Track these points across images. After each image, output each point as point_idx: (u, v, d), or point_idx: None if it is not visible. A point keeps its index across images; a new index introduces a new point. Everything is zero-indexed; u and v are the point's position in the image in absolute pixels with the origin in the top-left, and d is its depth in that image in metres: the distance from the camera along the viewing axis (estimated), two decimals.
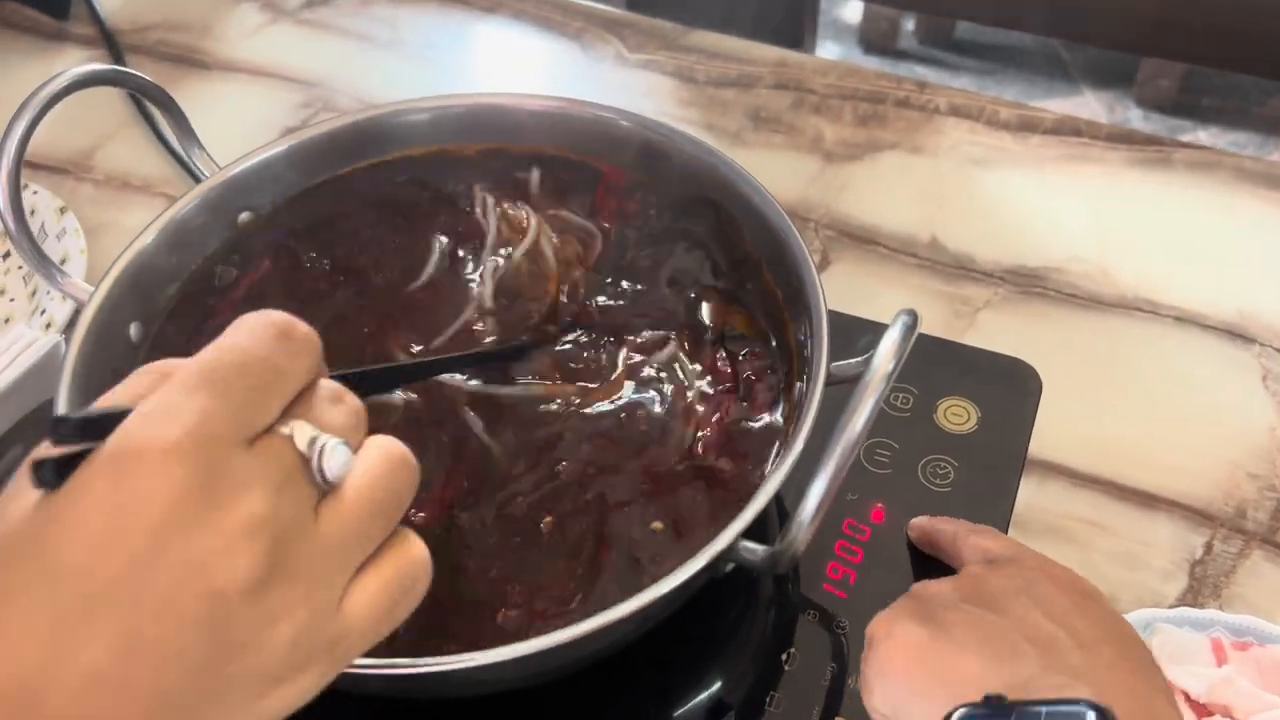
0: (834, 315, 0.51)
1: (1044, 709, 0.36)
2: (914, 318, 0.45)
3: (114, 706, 0.25)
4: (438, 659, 0.40)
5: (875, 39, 2.30)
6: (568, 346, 0.57)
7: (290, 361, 0.29)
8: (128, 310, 0.55)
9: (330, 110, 0.89)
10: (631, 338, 0.57)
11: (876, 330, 0.46)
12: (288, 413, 0.29)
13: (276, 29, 0.97)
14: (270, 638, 0.27)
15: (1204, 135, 2.07)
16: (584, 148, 0.63)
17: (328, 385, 0.31)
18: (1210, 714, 0.50)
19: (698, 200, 0.60)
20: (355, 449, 0.30)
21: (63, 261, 0.72)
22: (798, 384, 0.53)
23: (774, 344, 0.56)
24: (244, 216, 0.61)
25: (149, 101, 0.61)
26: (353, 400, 0.31)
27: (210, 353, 0.28)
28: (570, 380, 0.55)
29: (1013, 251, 0.75)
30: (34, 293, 0.73)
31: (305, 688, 0.28)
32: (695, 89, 0.89)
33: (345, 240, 0.61)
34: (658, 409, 0.54)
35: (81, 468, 0.26)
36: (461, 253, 0.60)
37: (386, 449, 0.31)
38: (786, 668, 0.51)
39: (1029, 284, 0.73)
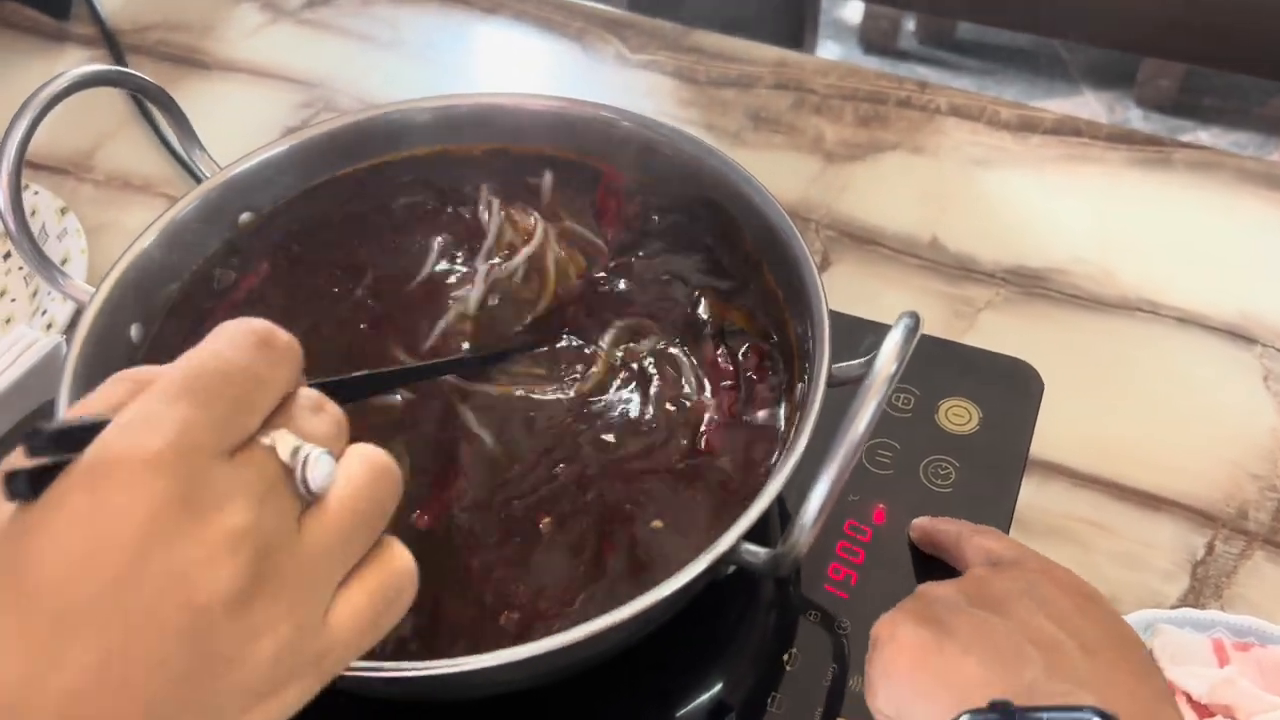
0: (835, 316, 0.51)
1: (1049, 715, 0.36)
2: (916, 320, 0.45)
3: None
4: (440, 662, 0.40)
5: (876, 39, 2.30)
6: (567, 345, 0.56)
7: (272, 370, 0.29)
8: (128, 311, 0.54)
9: (331, 110, 0.89)
10: (630, 336, 0.56)
11: (878, 331, 0.46)
12: (268, 422, 0.28)
13: (277, 29, 0.97)
14: (255, 652, 0.26)
15: (1204, 135, 2.07)
16: (585, 148, 0.63)
17: (308, 394, 0.30)
18: (1212, 714, 0.50)
19: (698, 201, 0.60)
20: (337, 458, 0.29)
21: (64, 262, 0.72)
22: (799, 385, 0.53)
23: (775, 340, 0.56)
24: (244, 217, 0.61)
25: (150, 102, 0.61)
26: (334, 409, 0.30)
27: (191, 361, 0.28)
28: (569, 379, 0.55)
29: (1014, 252, 0.75)
30: (35, 293, 0.73)
31: (290, 702, 0.28)
32: (696, 89, 0.89)
33: (345, 241, 0.61)
34: (657, 407, 0.53)
35: (58, 480, 0.25)
36: (460, 255, 0.60)
37: (369, 458, 0.30)
38: (788, 668, 0.51)
39: (1030, 284, 0.73)
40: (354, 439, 0.31)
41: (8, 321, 0.73)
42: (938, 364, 0.62)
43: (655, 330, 0.57)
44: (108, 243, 0.76)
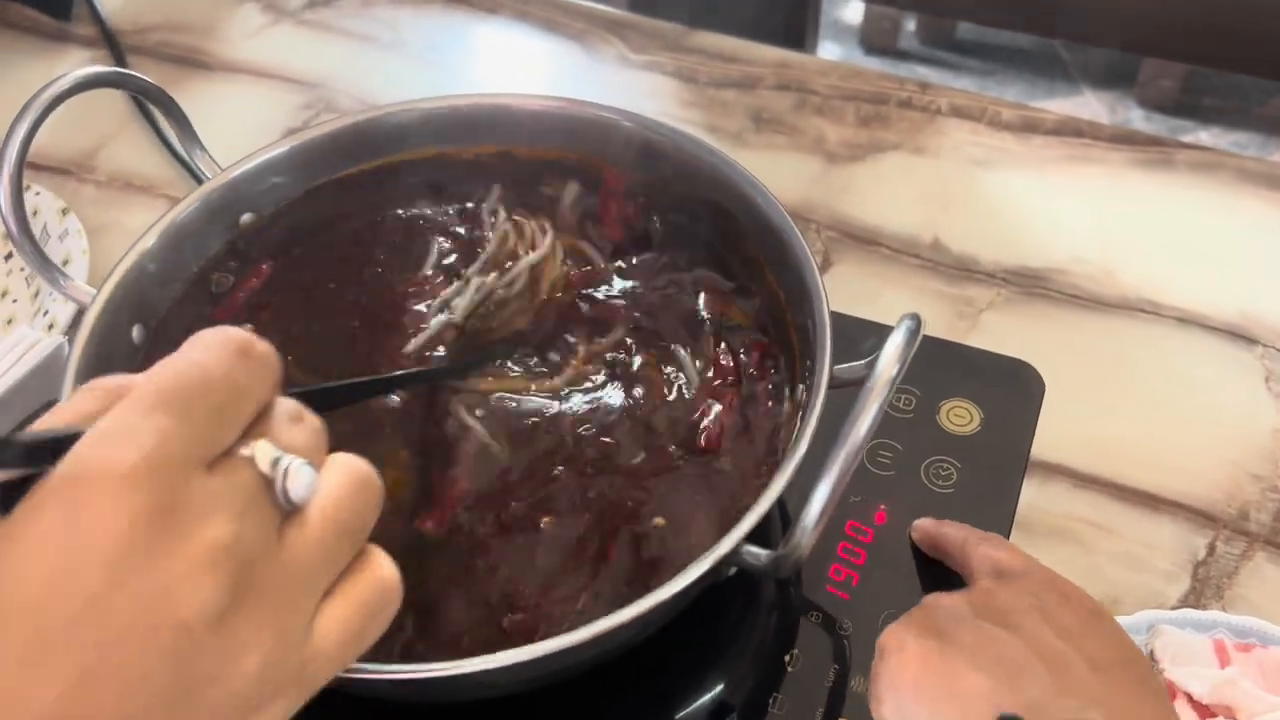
0: (836, 316, 0.51)
1: None
2: (918, 322, 0.45)
3: None
4: (443, 664, 0.40)
5: (876, 39, 2.30)
6: (560, 346, 0.56)
7: (250, 380, 0.28)
8: (130, 312, 0.55)
9: (332, 112, 0.89)
10: (629, 334, 0.56)
11: (879, 332, 0.46)
12: (247, 433, 0.28)
13: (278, 30, 0.97)
14: (238, 668, 0.26)
15: (1205, 136, 2.07)
16: (586, 149, 0.63)
17: (287, 404, 0.29)
18: (1213, 715, 0.50)
19: (700, 201, 0.60)
20: (317, 468, 0.29)
21: (65, 263, 0.72)
22: (800, 386, 0.53)
23: (774, 334, 0.56)
24: (246, 218, 0.61)
25: (151, 103, 0.61)
26: (313, 419, 0.30)
27: (167, 370, 0.27)
28: (564, 379, 0.55)
29: (1015, 252, 0.75)
30: (36, 294, 0.73)
31: (275, 717, 0.27)
32: (697, 90, 0.89)
33: (346, 243, 0.61)
34: (658, 405, 0.53)
35: (31, 494, 0.25)
36: (459, 259, 0.60)
37: (350, 468, 0.29)
38: (789, 669, 0.51)
39: (1031, 285, 0.73)
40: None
41: (9, 322, 0.73)
42: (939, 365, 0.62)
43: (654, 328, 0.57)
44: (109, 243, 0.76)
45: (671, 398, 0.54)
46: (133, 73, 0.60)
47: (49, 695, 0.23)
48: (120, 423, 0.26)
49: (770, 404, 0.54)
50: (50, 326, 0.68)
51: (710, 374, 0.55)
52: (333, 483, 0.29)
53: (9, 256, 0.76)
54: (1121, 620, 0.53)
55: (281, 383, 0.29)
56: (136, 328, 0.55)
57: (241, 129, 0.85)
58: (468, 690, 0.46)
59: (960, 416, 0.60)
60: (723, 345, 0.56)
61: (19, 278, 0.75)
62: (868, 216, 0.78)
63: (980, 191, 0.80)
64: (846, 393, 0.45)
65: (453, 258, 0.60)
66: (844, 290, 0.72)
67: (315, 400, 0.31)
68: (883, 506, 0.56)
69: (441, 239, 0.61)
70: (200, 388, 0.27)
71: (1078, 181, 0.80)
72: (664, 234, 0.61)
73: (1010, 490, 0.57)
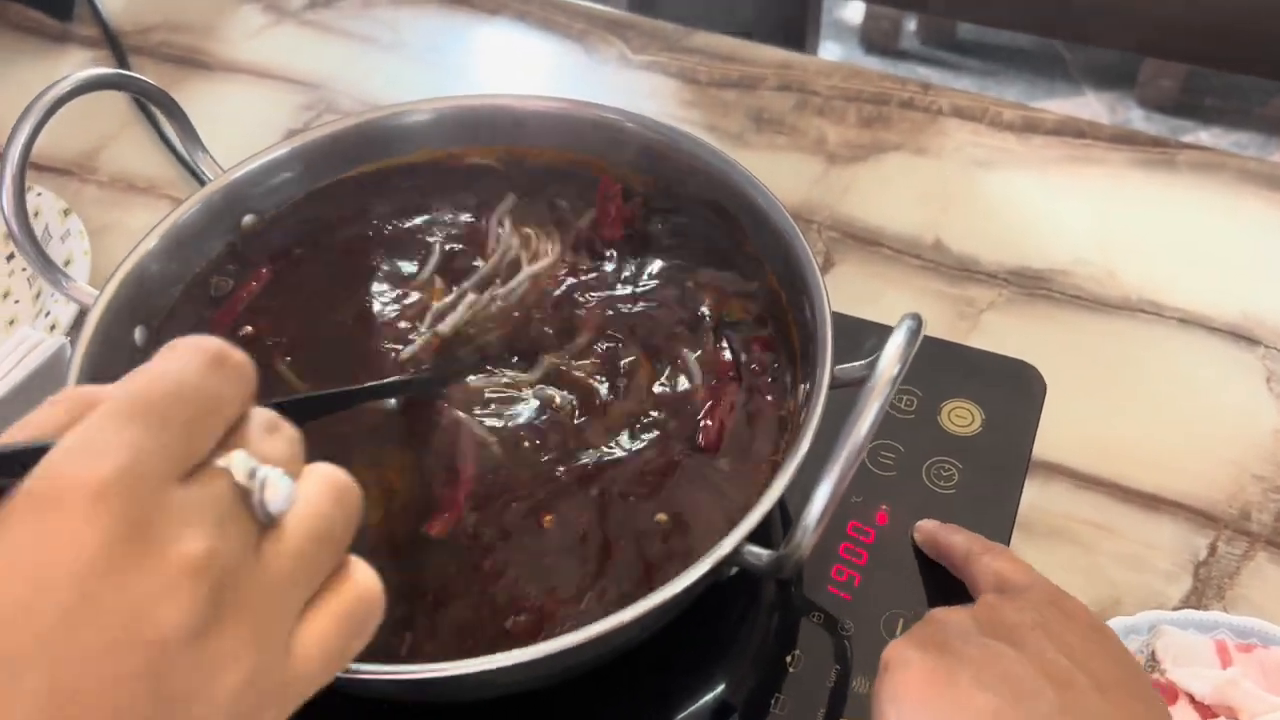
0: (838, 317, 0.51)
1: None
2: (919, 322, 0.45)
3: None
4: (441, 665, 0.40)
5: (877, 39, 2.30)
6: (566, 344, 0.56)
7: (224, 389, 0.27)
8: (132, 314, 0.55)
9: (333, 112, 0.89)
10: (629, 334, 0.56)
11: (880, 332, 0.46)
12: (222, 444, 0.27)
13: (279, 30, 0.97)
14: (217, 686, 0.25)
15: (1206, 136, 2.07)
16: (587, 149, 0.63)
17: (263, 414, 0.29)
18: (1215, 715, 0.50)
19: (701, 202, 0.60)
20: (295, 479, 0.28)
21: (67, 263, 0.72)
22: (802, 386, 0.53)
23: (773, 327, 0.56)
24: (247, 220, 0.61)
25: (153, 105, 0.61)
26: (289, 429, 0.29)
27: (139, 381, 0.26)
28: (567, 378, 0.55)
29: (1017, 253, 0.75)
30: (38, 294, 0.73)
31: None
32: (698, 90, 0.89)
33: (347, 246, 0.61)
34: (658, 402, 0.53)
35: None
36: (457, 265, 0.60)
37: (328, 478, 0.29)
38: (791, 670, 0.51)
39: (1033, 285, 0.73)
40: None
41: (11, 323, 0.73)
42: (940, 365, 0.62)
43: (655, 328, 0.57)
44: (111, 244, 0.76)
45: (672, 397, 0.54)
46: (135, 75, 0.60)
47: (19, 716, 0.23)
48: (91, 435, 0.25)
49: (772, 404, 0.54)
50: (52, 327, 0.68)
51: (711, 373, 0.55)
52: (311, 493, 0.28)
53: (11, 257, 0.76)
54: (1123, 621, 0.53)
55: (257, 393, 0.29)
56: (139, 329, 0.55)
57: (242, 129, 0.85)
58: (470, 690, 0.46)
59: (962, 417, 0.60)
60: (723, 344, 0.56)
61: (21, 278, 0.75)
62: (869, 217, 0.78)
63: (981, 192, 0.80)
64: (848, 393, 0.45)
65: (454, 261, 0.60)
66: (845, 290, 0.72)
67: (291, 411, 0.30)
68: (884, 507, 0.56)
69: (442, 243, 0.61)
70: (173, 398, 0.26)
71: (1079, 182, 0.80)
72: (665, 234, 0.61)
73: (1012, 491, 0.57)
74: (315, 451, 0.30)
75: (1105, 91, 2.18)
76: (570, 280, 0.59)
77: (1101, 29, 1.13)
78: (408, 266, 0.60)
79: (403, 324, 0.57)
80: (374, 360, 0.55)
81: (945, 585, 0.52)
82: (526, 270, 0.59)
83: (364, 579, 0.29)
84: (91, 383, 0.48)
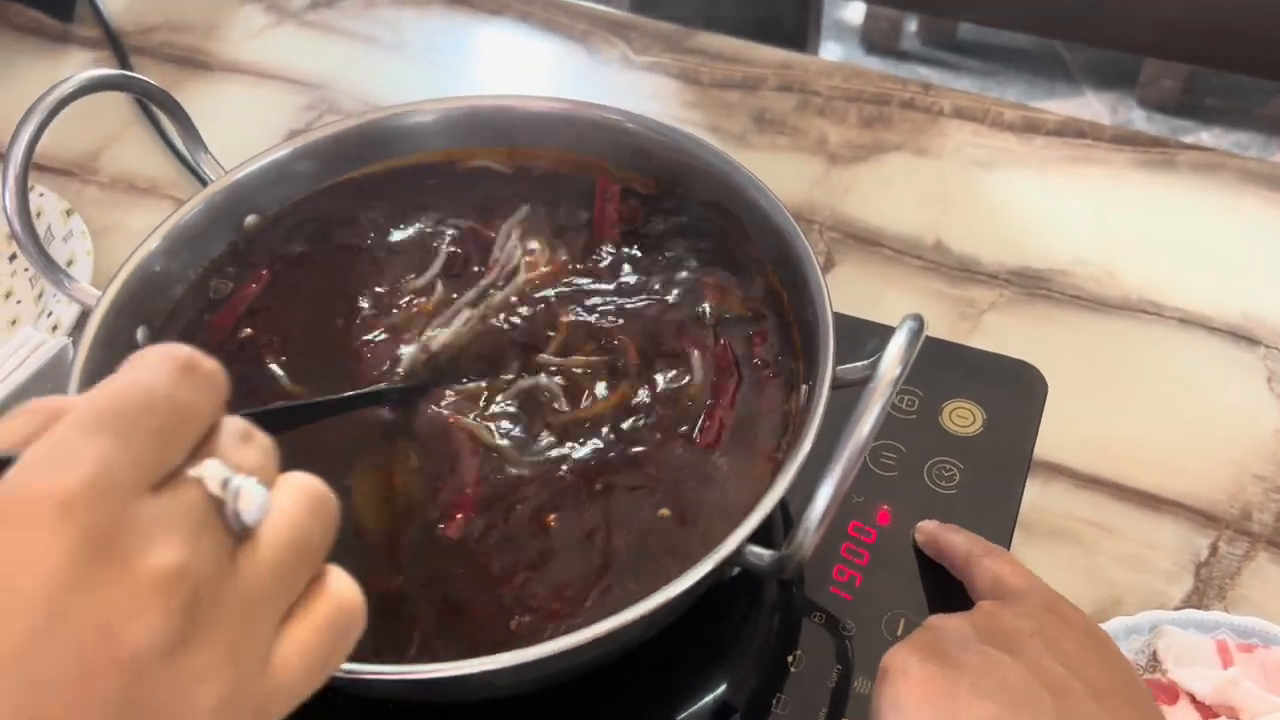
0: (838, 317, 0.51)
1: None
2: (920, 323, 0.45)
3: None
4: (442, 665, 0.40)
5: (877, 40, 2.30)
6: (566, 344, 0.57)
7: (195, 398, 0.26)
8: (134, 314, 0.55)
9: (335, 113, 0.89)
10: (629, 334, 0.57)
11: (882, 333, 0.46)
12: (194, 454, 0.26)
13: (281, 31, 0.97)
14: (193, 702, 0.24)
15: (1206, 136, 2.07)
16: (589, 150, 0.63)
17: (235, 422, 0.28)
18: (1216, 715, 0.50)
19: (702, 202, 0.60)
20: (269, 488, 0.27)
21: (69, 264, 0.72)
22: (803, 386, 0.53)
23: (776, 334, 0.56)
24: (249, 220, 0.61)
25: (155, 106, 0.61)
26: (263, 438, 0.28)
27: (107, 390, 0.25)
28: (567, 378, 0.55)
29: (1017, 253, 0.75)
30: (40, 295, 0.73)
31: None
32: (700, 91, 0.89)
33: (347, 248, 0.61)
34: (659, 403, 0.54)
35: None
36: (458, 270, 0.60)
37: (304, 487, 0.28)
38: (792, 670, 0.51)
39: (1034, 286, 0.73)
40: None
41: (14, 323, 0.73)
42: (941, 365, 0.62)
43: (656, 328, 0.57)
44: (113, 244, 0.76)
45: (673, 395, 0.54)
46: (137, 75, 0.60)
47: None
48: (57, 446, 0.24)
49: (773, 404, 0.54)
50: (54, 328, 0.68)
51: (712, 372, 0.55)
52: (286, 503, 0.27)
53: (13, 258, 0.77)
54: (1124, 621, 0.53)
55: (229, 402, 0.28)
56: (141, 329, 0.55)
57: (244, 129, 0.86)
58: (473, 690, 0.46)
59: (963, 417, 0.60)
60: (724, 344, 0.56)
61: (23, 279, 0.75)
62: (870, 217, 0.78)
63: (982, 192, 0.80)
64: (849, 393, 0.45)
65: (455, 265, 0.60)
66: (846, 291, 0.72)
67: (265, 421, 0.30)
68: (886, 507, 0.56)
69: (444, 246, 0.61)
70: (142, 407, 0.25)
71: (1079, 182, 0.80)
72: (667, 235, 0.61)
73: (1013, 491, 0.57)
74: (313, 459, 0.30)
75: (1106, 92, 2.18)
76: (570, 281, 0.59)
77: (1101, 29, 1.13)
78: (408, 270, 0.60)
79: (399, 331, 0.57)
80: (367, 367, 0.55)
81: (946, 586, 0.52)
82: (524, 276, 0.59)
83: (343, 588, 0.28)
84: (94, 383, 0.49)
